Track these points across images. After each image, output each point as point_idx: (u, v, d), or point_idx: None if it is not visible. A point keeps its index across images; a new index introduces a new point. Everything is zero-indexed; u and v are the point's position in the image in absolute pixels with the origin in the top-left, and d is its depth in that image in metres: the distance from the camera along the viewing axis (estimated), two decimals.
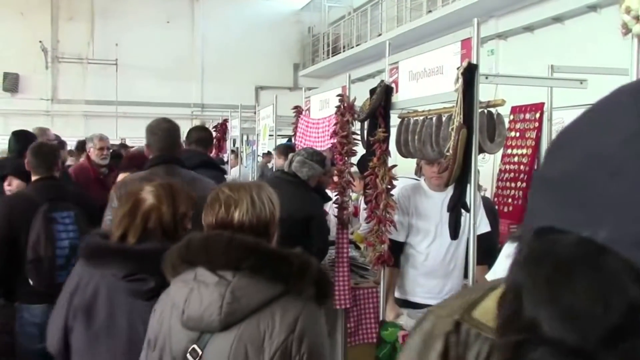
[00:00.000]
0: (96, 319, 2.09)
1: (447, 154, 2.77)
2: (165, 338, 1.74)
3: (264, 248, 1.73)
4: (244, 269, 1.67)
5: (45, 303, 3.42)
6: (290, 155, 4.39)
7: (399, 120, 3.61)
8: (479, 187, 3.92)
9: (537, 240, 0.51)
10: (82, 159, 6.45)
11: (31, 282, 3.37)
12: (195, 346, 1.68)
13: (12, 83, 18.05)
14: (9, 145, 5.11)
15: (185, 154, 4.93)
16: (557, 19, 9.61)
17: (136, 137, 11.79)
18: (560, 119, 6.75)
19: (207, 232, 1.80)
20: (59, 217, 3.43)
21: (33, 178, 3.66)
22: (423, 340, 0.78)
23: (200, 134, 5.01)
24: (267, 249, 1.75)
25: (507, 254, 2.75)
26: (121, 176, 4.30)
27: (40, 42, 18.10)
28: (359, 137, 4.02)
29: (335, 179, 4.26)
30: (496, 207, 7.23)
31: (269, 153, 8.37)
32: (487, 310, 0.71)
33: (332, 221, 4.58)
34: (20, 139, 4.97)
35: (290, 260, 1.71)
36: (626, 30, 2.00)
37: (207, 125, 9.74)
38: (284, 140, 10.55)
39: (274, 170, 6.42)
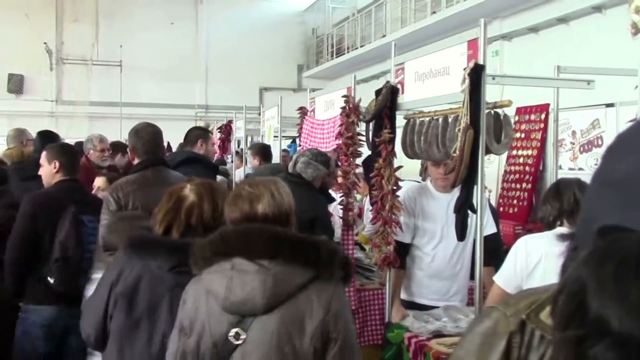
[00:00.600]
0: (137, 307, 2.19)
1: (454, 155, 2.76)
2: (204, 324, 1.85)
3: (295, 237, 1.92)
4: (280, 256, 1.83)
5: (54, 305, 3.40)
6: (294, 156, 4.39)
7: (405, 121, 3.60)
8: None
9: (601, 238, 0.51)
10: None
11: (51, 281, 3.31)
12: (237, 329, 1.82)
13: (17, 84, 18.06)
14: (34, 145, 5.14)
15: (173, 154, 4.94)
16: (562, 20, 9.58)
17: None
18: (566, 119, 6.73)
19: (239, 226, 1.93)
20: (86, 220, 3.41)
21: (57, 179, 3.63)
22: (484, 337, 0.76)
23: (188, 132, 4.97)
24: (299, 237, 1.93)
25: (523, 252, 2.74)
26: (98, 181, 4.23)
27: (44, 43, 18.10)
28: (364, 138, 4.01)
29: (340, 180, 4.26)
30: (500, 208, 7.22)
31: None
32: None
33: (337, 222, 4.57)
34: (45, 139, 5.02)
35: (319, 247, 1.89)
36: (635, 30, 1.99)
37: (211, 127, 9.75)
38: (289, 142, 10.53)
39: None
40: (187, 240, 2.12)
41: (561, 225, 2.81)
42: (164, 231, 2.22)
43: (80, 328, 2.42)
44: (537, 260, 2.69)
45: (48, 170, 3.67)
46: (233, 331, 1.81)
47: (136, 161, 3.56)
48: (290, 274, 1.83)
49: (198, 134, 4.89)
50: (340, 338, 1.85)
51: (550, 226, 2.84)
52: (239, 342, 1.81)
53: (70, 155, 3.72)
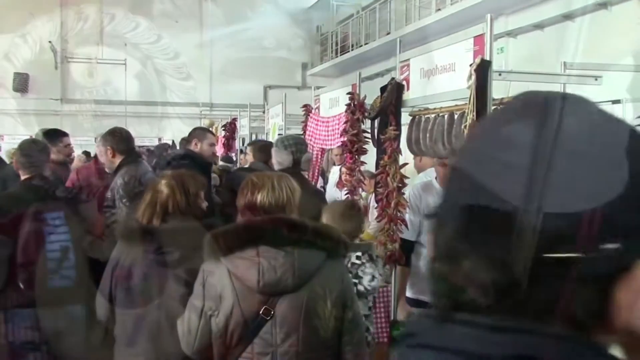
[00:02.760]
0: (133, 283, 2.56)
1: None
2: (233, 305, 2.10)
3: (312, 226, 2.21)
4: (300, 243, 2.13)
5: (34, 307, 3.27)
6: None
7: (410, 118, 3.59)
8: None
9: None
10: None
11: (22, 286, 3.20)
12: (266, 307, 2.08)
13: (22, 83, 18.06)
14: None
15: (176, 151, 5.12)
16: (568, 17, 9.53)
17: (145, 137, 11.80)
18: None
19: (263, 217, 2.19)
20: (49, 218, 3.30)
21: (22, 178, 3.49)
22: None
23: (191, 132, 5.11)
24: (315, 226, 2.25)
25: None
26: None
27: (49, 42, 18.14)
28: (369, 135, 4.00)
29: (346, 177, 4.25)
30: None
31: None
32: None
33: None
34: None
35: (330, 233, 2.25)
36: None
37: (215, 125, 9.74)
38: None
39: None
40: (165, 226, 2.54)
41: None
42: (147, 220, 2.58)
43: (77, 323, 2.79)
44: None
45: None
46: (263, 309, 2.08)
47: (117, 157, 4.08)
48: (310, 257, 2.14)
49: (195, 133, 5.03)
50: (353, 304, 2.23)
51: None
52: (268, 318, 2.08)
53: (30, 153, 3.55)
